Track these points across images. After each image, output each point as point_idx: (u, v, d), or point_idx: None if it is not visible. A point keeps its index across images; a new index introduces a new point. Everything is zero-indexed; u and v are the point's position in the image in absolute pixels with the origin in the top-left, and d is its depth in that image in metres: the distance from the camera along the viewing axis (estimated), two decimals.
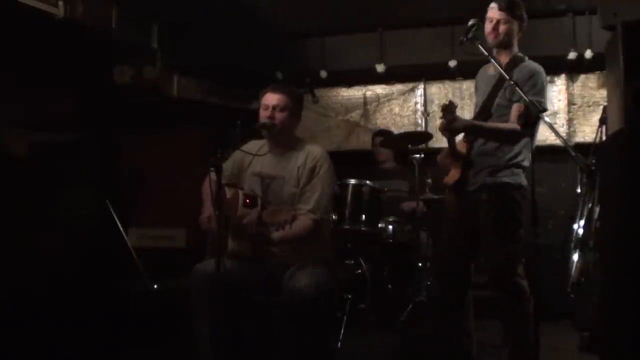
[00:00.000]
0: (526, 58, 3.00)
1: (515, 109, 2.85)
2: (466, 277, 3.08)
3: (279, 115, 2.97)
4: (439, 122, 3.00)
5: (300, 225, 2.82)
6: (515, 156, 2.92)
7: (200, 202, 3.06)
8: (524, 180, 2.94)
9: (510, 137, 2.87)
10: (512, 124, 2.86)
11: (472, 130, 2.99)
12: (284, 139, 3.04)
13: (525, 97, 2.57)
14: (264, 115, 2.98)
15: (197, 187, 3.10)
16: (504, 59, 3.01)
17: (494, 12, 3.00)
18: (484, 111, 3.03)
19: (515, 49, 3.03)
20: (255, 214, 2.73)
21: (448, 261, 3.12)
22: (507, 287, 2.87)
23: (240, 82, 5.40)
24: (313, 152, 3.01)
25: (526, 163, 2.94)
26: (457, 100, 5.37)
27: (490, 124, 2.95)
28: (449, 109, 2.88)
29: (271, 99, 2.99)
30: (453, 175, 3.05)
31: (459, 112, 2.94)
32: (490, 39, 3.01)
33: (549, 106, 5.06)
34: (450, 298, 3.10)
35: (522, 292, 2.87)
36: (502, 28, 2.98)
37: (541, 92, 2.85)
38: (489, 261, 2.96)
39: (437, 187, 4.48)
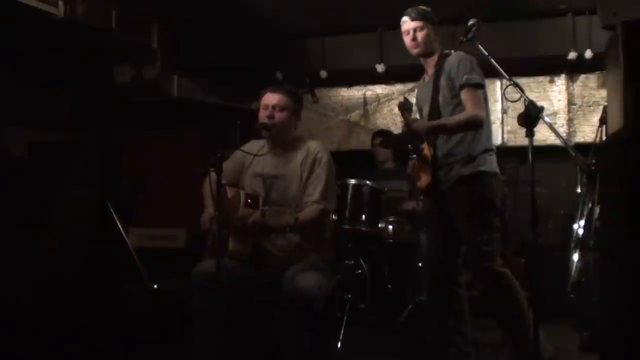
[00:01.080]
0: (452, 52, 3.03)
1: (465, 95, 2.87)
2: (452, 278, 3.07)
3: (279, 115, 2.97)
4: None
5: (308, 213, 2.84)
6: (482, 142, 2.93)
7: (201, 202, 3.06)
8: (497, 167, 2.97)
9: (473, 124, 2.88)
10: (470, 111, 2.86)
11: (434, 130, 3.00)
12: (284, 138, 3.04)
13: (527, 97, 2.57)
14: (263, 115, 2.99)
15: (197, 187, 3.10)
16: (432, 61, 3.07)
17: (407, 24, 3.06)
18: (433, 116, 3.05)
19: (440, 49, 3.07)
20: (259, 214, 2.73)
21: (435, 264, 3.14)
22: (489, 277, 2.85)
23: (240, 82, 5.39)
24: (311, 146, 3.02)
25: (493, 145, 2.99)
26: None
27: (450, 117, 2.95)
28: (405, 107, 2.97)
29: (271, 98, 2.99)
30: (424, 179, 3.05)
31: None
32: (413, 50, 3.07)
33: (548, 105, 5.13)
34: (439, 300, 3.11)
35: (506, 279, 2.85)
36: (420, 35, 3.03)
37: (472, 70, 2.87)
38: (468, 252, 2.96)
39: None
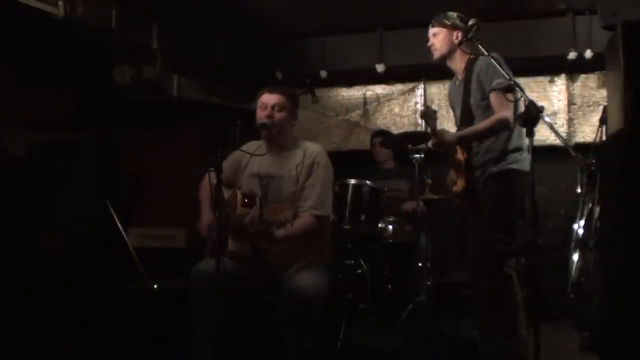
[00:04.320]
0: (479, 57, 3.03)
1: (493, 99, 2.90)
2: None
3: (278, 115, 2.97)
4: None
5: (303, 223, 2.83)
6: (514, 141, 2.95)
7: (198, 203, 3.05)
8: (528, 166, 2.86)
9: (502, 127, 2.89)
10: (497, 115, 2.88)
11: (464, 140, 3.04)
12: (282, 138, 3.04)
13: (527, 97, 2.57)
14: (262, 115, 2.98)
15: (196, 187, 3.10)
16: (460, 63, 3.11)
17: (430, 31, 3.15)
18: (465, 117, 3.08)
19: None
20: (256, 212, 2.73)
21: (480, 263, 3.08)
22: (494, 276, 2.84)
23: (240, 82, 5.39)
24: (310, 149, 3.02)
25: (526, 143, 2.89)
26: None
27: (477, 125, 2.97)
28: (428, 115, 2.99)
29: (269, 98, 2.99)
30: (460, 183, 3.08)
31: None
32: (433, 55, 3.15)
33: (548, 105, 5.13)
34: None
35: (510, 281, 2.85)
36: (432, 41, 3.12)
37: (499, 74, 2.82)
38: (477, 246, 2.97)
39: (437, 187, 4.48)
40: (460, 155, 3.07)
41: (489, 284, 2.90)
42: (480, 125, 2.96)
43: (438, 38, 3.10)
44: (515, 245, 2.90)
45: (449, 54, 3.11)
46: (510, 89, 2.86)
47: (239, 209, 2.74)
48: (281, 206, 2.67)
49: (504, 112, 2.86)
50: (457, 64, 3.13)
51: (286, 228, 2.64)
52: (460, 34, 3.05)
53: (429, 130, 3.13)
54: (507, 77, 2.76)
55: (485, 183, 3.00)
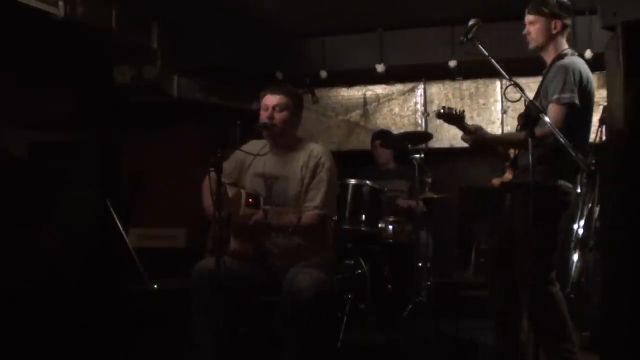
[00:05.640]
0: (568, 54, 2.88)
1: (549, 109, 2.73)
2: (513, 279, 2.93)
3: (279, 116, 2.97)
4: (439, 122, 3.02)
5: (308, 219, 2.83)
6: (548, 152, 2.73)
7: (200, 203, 3.05)
8: (559, 181, 2.79)
9: (522, 144, 2.74)
10: (521, 132, 2.77)
11: (496, 143, 3.01)
12: (285, 139, 3.03)
13: (527, 97, 2.56)
14: (263, 115, 2.98)
15: (197, 187, 3.10)
16: (549, 58, 2.94)
17: (525, 17, 2.95)
18: (527, 115, 2.97)
19: (561, 46, 2.91)
20: (261, 213, 2.73)
21: (495, 262, 3.05)
22: (536, 294, 2.71)
23: (240, 82, 5.39)
24: (315, 150, 3.02)
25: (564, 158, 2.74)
26: (457, 100, 5.46)
27: (513, 134, 2.91)
28: (451, 116, 2.87)
29: (271, 99, 2.99)
30: (507, 176, 2.99)
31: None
32: (529, 44, 2.97)
33: None
34: (499, 300, 3.02)
35: (553, 299, 2.77)
36: (528, 29, 2.93)
37: (564, 87, 2.72)
38: (518, 264, 2.85)
39: (437, 186, 4.48)
40: (511, 150, 3.01)
41: (531, 303, 2.75)
42: (517, 135, 2.84)
43: (535, 27, 2.88)
44: (552, 260, 2.77)
45: (545, 44, 2.89)
46: (572, 105, 2.70)
47: (243, 208, 2.74)
48: (286, 209, 2.66)
49: (544, 129, 2.59)
50: (549, 56, 2.92)
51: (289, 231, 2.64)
52: (559, 24, 2.85)
53: (457, 127, 2.96)
54: (573, 91, 2.64)
55: (515, 190, 2.89)
